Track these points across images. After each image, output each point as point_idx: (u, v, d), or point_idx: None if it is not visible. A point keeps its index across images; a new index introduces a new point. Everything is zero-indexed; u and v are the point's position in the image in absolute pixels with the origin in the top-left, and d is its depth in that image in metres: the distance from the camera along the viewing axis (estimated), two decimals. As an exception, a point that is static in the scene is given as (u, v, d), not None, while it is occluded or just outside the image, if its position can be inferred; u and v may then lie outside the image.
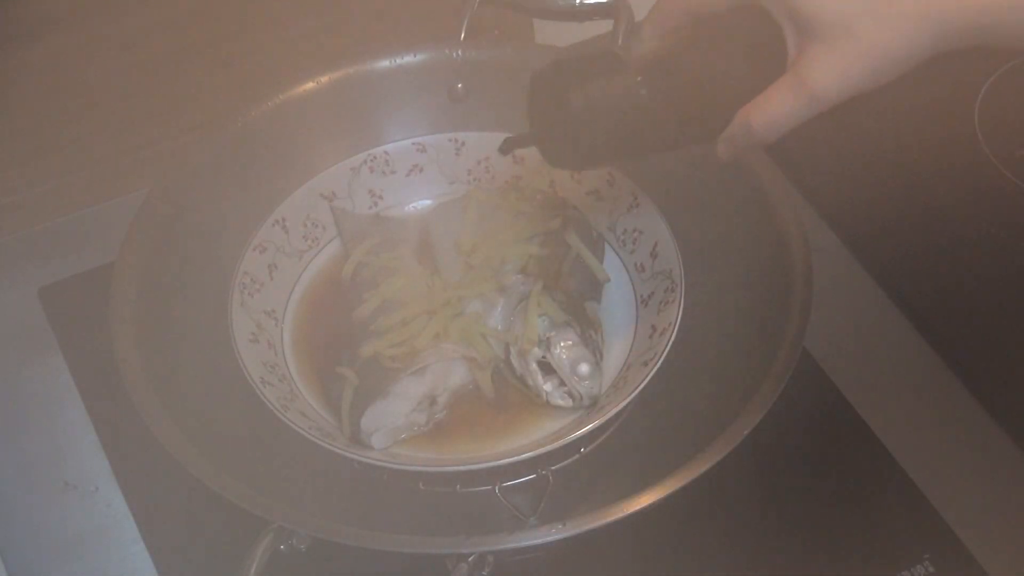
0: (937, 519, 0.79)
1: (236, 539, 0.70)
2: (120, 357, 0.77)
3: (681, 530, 0.79)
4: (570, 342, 0.81)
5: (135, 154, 1.02)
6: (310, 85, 0.93)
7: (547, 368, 0.81)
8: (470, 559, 0.69)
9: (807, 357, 0.86)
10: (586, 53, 0.70)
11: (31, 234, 0.98)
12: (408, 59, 0.94)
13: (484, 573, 0.70)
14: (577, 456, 0.81)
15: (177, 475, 0.72)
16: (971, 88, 1.01)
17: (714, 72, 0.69)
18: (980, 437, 0.83)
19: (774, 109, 0.67)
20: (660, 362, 0.79)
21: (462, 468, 0.77)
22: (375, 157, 0.92)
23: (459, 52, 0.94)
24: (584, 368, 0.80)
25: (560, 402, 0.81)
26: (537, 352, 0.81)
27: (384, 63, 0.94)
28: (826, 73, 0.64)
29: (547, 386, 0.81)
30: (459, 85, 0.94)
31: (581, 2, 0.93)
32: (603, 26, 0.93)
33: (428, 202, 0.93)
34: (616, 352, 0.84)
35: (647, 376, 0.78)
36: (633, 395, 0.78)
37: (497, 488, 0.79)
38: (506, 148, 0.76)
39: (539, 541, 0.69)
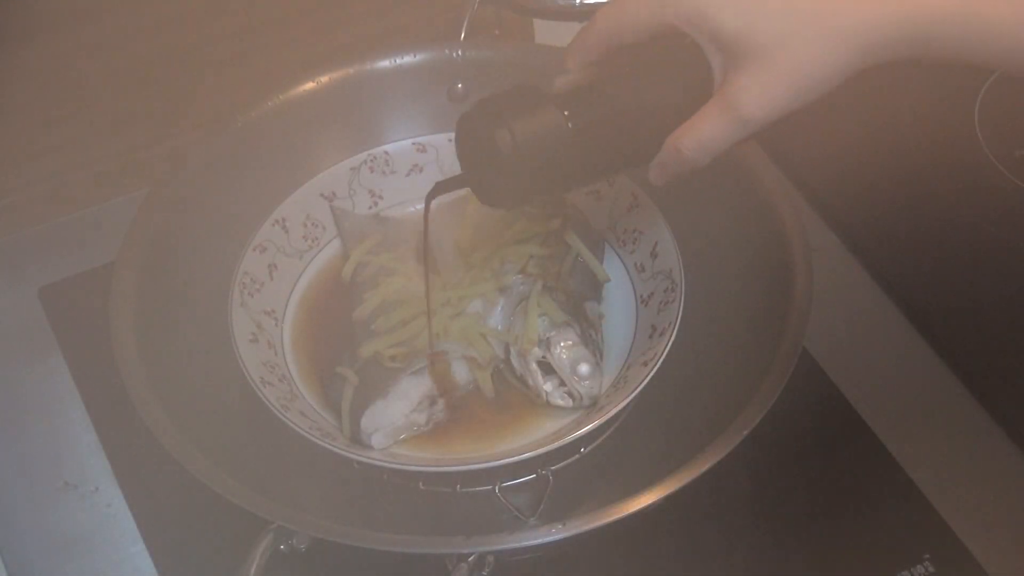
0: (937, 519, 0.79)
1: (236, 539, 0.70)
2: (120, 357, 0.77)
3: (681, 530, 0.79)
4: (570, 342, 0.81)
5: (135, 154, 1.01)
6: (310, 85, 0.93)
7: (547, 368, 0.81)
8: (470, 559, 0.69)
9: (807, 357, 0.86)
10: (510, 91, 0.70)
11: (31, 234, 0.98)
12: (408, 59, 0.94)
13: (484, 573, 0.70)
14: (577, 456, 0.81)
15: (177, 475, 0.72)
16: (971, 88, 1.01)
17: (640, 101, 0.70)
18: (980, 437, 0.83)
19: (703, 134, 0.66)
20: (660, 362, 0.78)
21: (462, 468, 0.77)
22: (375, 157, 0.92)
23: (459, 52, 0.94)
24: (584, 368, 0.80)
25: (560, 402, 0.81)
26: (537, 352, 0.81)
27: (384, 63, 0.94)
28: (752, 96, 0.64)
29: (547, 386, 0.81)
30: (459, 85, 0.94)
31: (581, 2, 0.93)
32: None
33: (428, 202, 0.93)
34: (616, 352, 0.84)
35: (647, 376, 0.78)
36: (633, 395, 0.78)
37: (497, 488, 0.79)
38: (435, 192, 0.76)
39: (539, 541, 0.69)
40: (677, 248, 0.85)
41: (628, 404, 0.78)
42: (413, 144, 0.92)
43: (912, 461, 0.82)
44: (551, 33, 1.04)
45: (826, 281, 0.82)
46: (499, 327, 0.83)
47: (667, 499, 0.70)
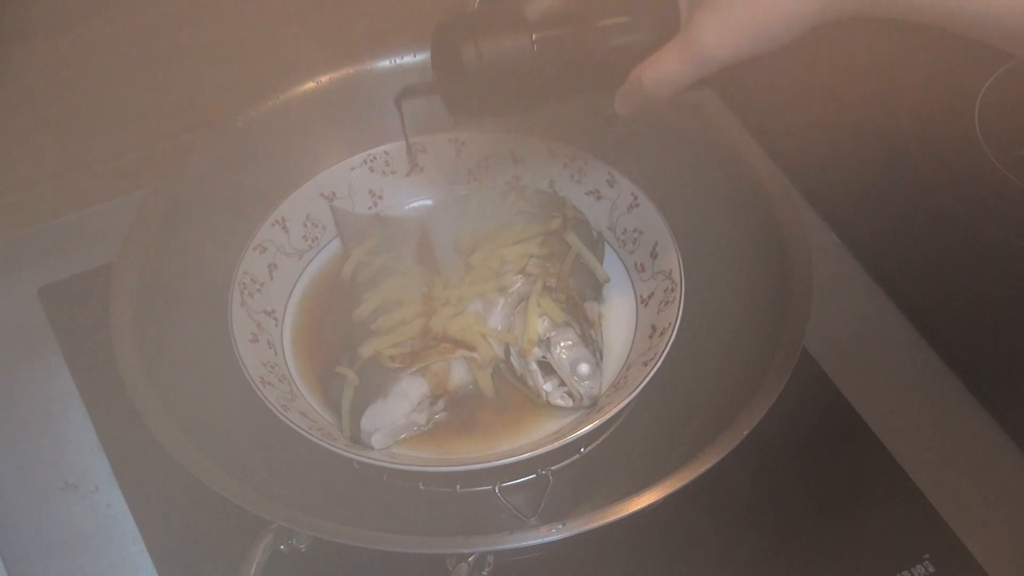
0: (937, 519, 0.79)
1: (236, 539, 0.70)
2: (120, 357, 0.77)
3: (681, 530, 0.79)
4: (570, 342, 0.81)
5: (135, 154, 1.02)
6: (310, 85, 0.93)
7: (547, 368, 0.81)
8: (470, 559, 0.69)
9: (807, 357, 0.86)
10: (485, 8, 0.73)
11: (31, 234, 0.98)
12: (408, 59, 0.94)
13: (484, 573, 0.70)
14: (577, 456, 0.81)
15: (177, 475, 0.72)
16: (971, 88, 1.01)
17: (608, 32, 0.72)
18: (980, 437, 0.83)
19: (665, 69, 0.69)
20: (660, 362, 0.79)
21: (462, 468, 0.77)
22: (375, 157, 0.92)
23: (459, 52, 0.94)
24: (584, 368, 0.81)
25: (560, 402, 0.81)
26: (537, 352, 0.81)
27: (384, 63, 0.94)
28: (715, 37, 0.67)
29: (547, 386, 0.81)
30: (459, 85, 0.94)
31: (581, 2, 0.93)
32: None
33: (428, 202, 0.93)
34: (616, 352, 0.84)
35: (647, 376, 0.78)
36: (633, 395, 0.78)
37: (497, 488, 0.79)
38: (404, 95, 0.81)
39: (539, 541, 0.69)
40: (677, 248, 0.85)
41: (628, 404, 0.78)
42: (413, 144, 0.92)
43: (912, 461, 0.82)
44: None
45: (826, 281, 0.82)
46: (499, 327, 0.83)
47: (667, 499, 0.70)
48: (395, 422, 0.80)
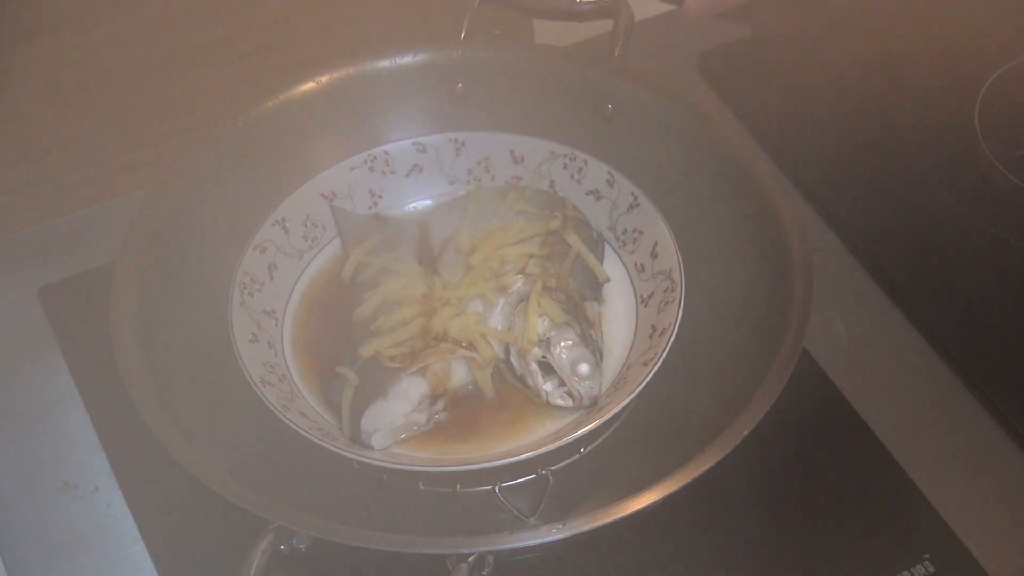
0: (937, 519, 0.79)
1: (236, 539, 0.70)
2: (120, 357, 0.77)
3: (681, 530, 0.79)
4: (570, 342, 0.81)
5: (135, 154, 1.02)
6: (310, 85, 0.93)
7: (547, 368, 0.81)
8: (470, 559, 0.69)
9: (807, 357, 0.86)
10: None
11: (31, 234, 0.98)
12: (408, 59, 0.94)
13: (484, 573, 0.70)
14: (577, 456, 0.81)
15: (177, 475, 0.72)
16: (971, 88, 1.01)
17: None
18: (980, 437, 0.83)
19: None
20: (660, 362, 0.78)
21: (462, 468, 0.77)
22: (375, 157, 0.92)
23: (459, 52, 0.94)
24: (584, 368, 0.81)
25: (560, 402, 0.81)
26: (537, 352, 0.81)
27: (384, 63, 0.94)
28: None
29: (547, 386, 0.81)
30: (459, 85, 0.94)
31: (581, 2, 0.93)
32: (603, 26, 0.93)
33: (428, 202, 0.93)
34: (616, 352, 0.84)
35: (647, 376, 0.78)
36: (633, 395, 0.78)
37: (497, 488, 0.79)
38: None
39: (539, 541, 0.69)
40: (677, 248, 0.85)
41: (628, 404, 0.78)
42: (413, 144, 0.92)
43: (912, 461, 0.82)
44: (551, 33, 1.04)
45: (826, 281, 0.82)
46: (499, 327, 0.83)
47: (667, 499, 0.70)
48: (395, 422, 0.80)
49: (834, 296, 0.89)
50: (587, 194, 0.90)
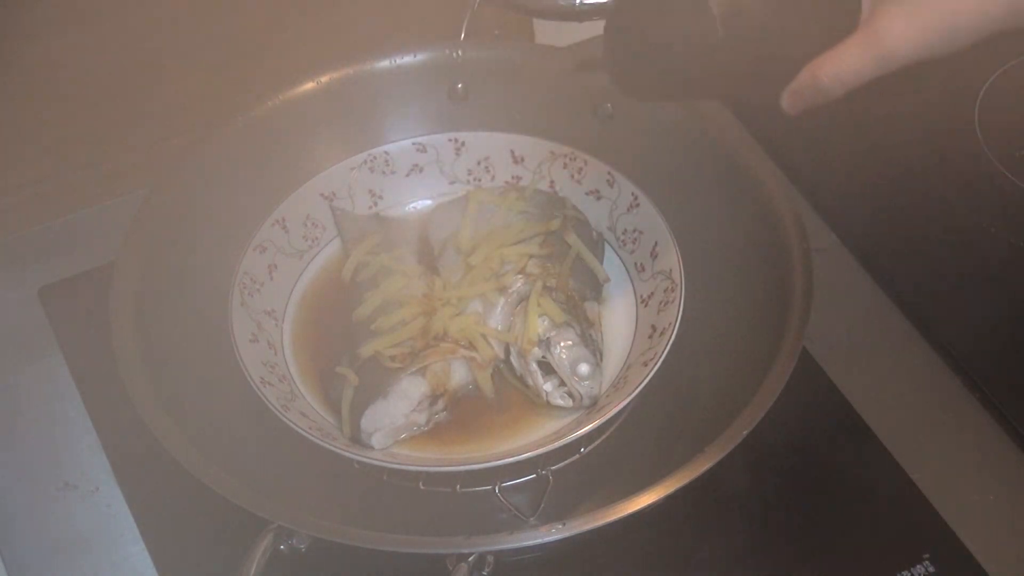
0: (937, 519, 0.79)
1: (236, 539, 0.70)
2: (120, 357, 0.77)
3: (681, 530, 0.79)
4: (570, 342, 0.81)
5: (135, 154, 1.01)
6: (310, 85, 0.93)
7: (547, 368, 0.81)
8: (470, 559, 0.69)
9: (807, 357, 0.86)
10: None
11: (31, 234, 0.98)
12: (408, 59, 0.94)
13: (484, 573, 0.70)
14: (577, 456, 0.81)
15: (177, 475, 0.72)
16: (971, 88, 1.01)
17: (788, 23, 0.70)
18: (980, 437, 0.83)
19: (844, 65, 0.67)
20: (660, 362, 0.79)
21: (462, 468, 0.77)
22: (375, 157, 0.92)
23: (459, 52, 0.94)
24: (584, 368, 0.80)
25: (560, 402, 0.81)
26: (537, 352, 0.81)
27: (384, 63, 0.94)
28: (901, 32, 0.65)
29: (547, 386, 0.81)
30: (459, 85, 0.94)
31: (581, 2, 0.93)
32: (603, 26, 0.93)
33: (428, 202, 0.93)
34: (616, 352, 0.84)
35: (647, 376, 0.78)
36: (633, 395, 0.78)
37: (497, 488, 0.79)
38: (579, 67, 0.81)
39: (539, 541, 0.69)
40: (677, 248, 0.85)
41: (628, 404, 0.78)
42: (413, 144, 0.92)
43: (912, 461, 0.82)
44: (551, 33, 1.04)
45: (826, 281, 0.82)
46: (499, 327, 0.83)
47: (667, 499, 0.70)
48: (395, 422, 0.80)
49: (834, 296, 0.89)
50: (587, 194, 0.90)
